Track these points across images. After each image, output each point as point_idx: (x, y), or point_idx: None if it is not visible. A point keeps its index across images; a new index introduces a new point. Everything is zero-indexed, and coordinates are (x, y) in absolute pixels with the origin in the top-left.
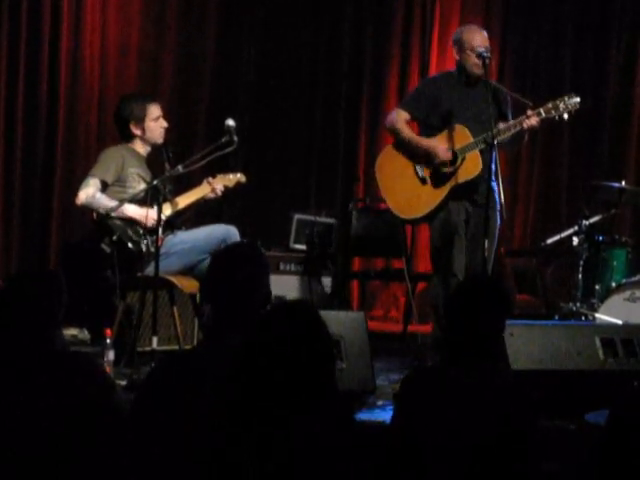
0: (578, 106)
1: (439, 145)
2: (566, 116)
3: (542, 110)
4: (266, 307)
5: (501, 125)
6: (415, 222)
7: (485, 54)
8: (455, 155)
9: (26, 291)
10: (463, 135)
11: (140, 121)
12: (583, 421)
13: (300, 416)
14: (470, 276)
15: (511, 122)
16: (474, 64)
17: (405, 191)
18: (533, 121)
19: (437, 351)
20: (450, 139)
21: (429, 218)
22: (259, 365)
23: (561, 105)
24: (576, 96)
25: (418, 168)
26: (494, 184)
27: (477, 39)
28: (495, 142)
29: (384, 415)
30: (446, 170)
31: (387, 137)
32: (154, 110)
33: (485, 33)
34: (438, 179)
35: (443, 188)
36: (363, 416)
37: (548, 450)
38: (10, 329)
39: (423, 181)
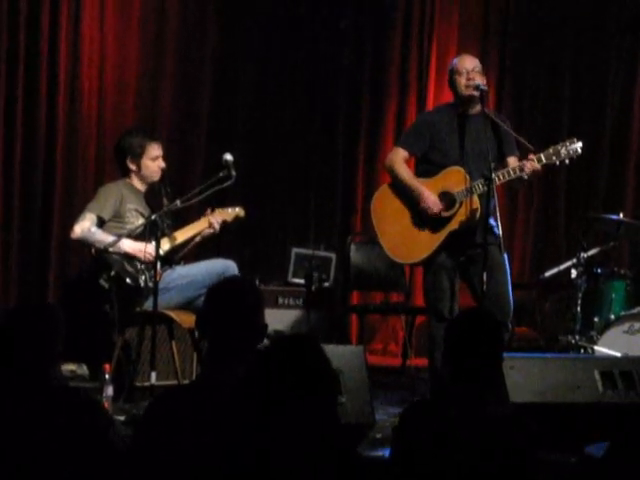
0: (580, 151)
1: (431, 196)
2: (567, 162)
3: (543, 156)
4: (262, 341)
5: (500, 173)
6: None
7: (482, 87)
8: (453, 199)
9: (25, 326)
10: (460, 178)
11: (137, 157)
12: (583, 454)
13: (303, 448)
14: (464, 311)
15: (511, 168)
16: (465, 85)
17: (401, 235)
18: (534, 169)
19: (435, 385)
20: (447, 182)
21: (424, 263)
22: (262, 398)
23: (562, 150)
24: (578, 141)
25: (414, 211)
26: (492, 219)
27: (466, 60)
28: (493, 176)
29: (383, 449)
30: (443, 214)
31: (384, 172)
32: (153, 150)
33: (476, 59)
34: (435, 224)
35: (440, 233)
36: (362, 450)
37: None
38: (8, 364)
39: (419, 225)
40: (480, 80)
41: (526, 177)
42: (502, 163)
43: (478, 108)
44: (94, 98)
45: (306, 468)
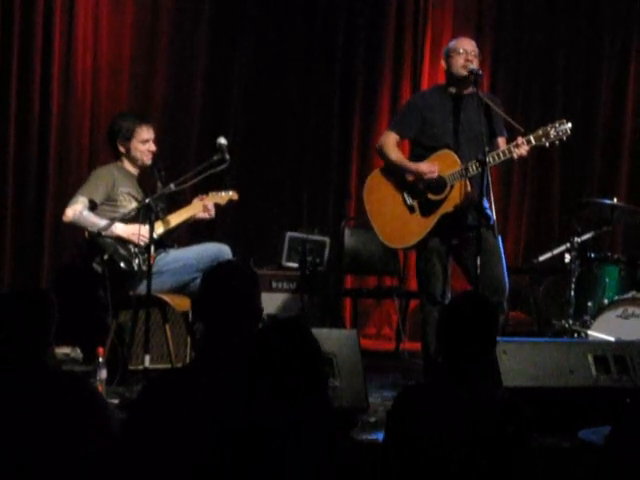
0: (569, 132)
1: (422, 164)
2: (557, 143)
3: (532, 138)
4: (258, 324)
5: (490, 156)
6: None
7: (476, 70)
8: (444, 182)
9: (18, 310)
10: (451, 161)
11: (126, 140)
12: (576, 438)
13: (295, 433)
14: (459, 295)
15: (500, 150)
16: (461, 66)
17: (393, 219)
18: (523, 150)
19: (428, 369)
20: (439, 165)
21: (417, 247)
22: (254, 382)
23: (552, 132)
24: (567, 122)
25: (406, 195)
26: (486, 202)
27: (465, 42)
28: (487, 159)
29: (377, 433)
30: (435, 198)
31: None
32: (143, 132)
33: (474, 43)
34: (427, 207)
35: (432, 217)
36: (356, 434)
37: (541, 467)
38: (2, 348)
39: (411, 209)
40: (476, 65)
41: (516, 158)
42: (492, 144)
43: (471, 89)
44: (88, 83)
45: (299, 452)
